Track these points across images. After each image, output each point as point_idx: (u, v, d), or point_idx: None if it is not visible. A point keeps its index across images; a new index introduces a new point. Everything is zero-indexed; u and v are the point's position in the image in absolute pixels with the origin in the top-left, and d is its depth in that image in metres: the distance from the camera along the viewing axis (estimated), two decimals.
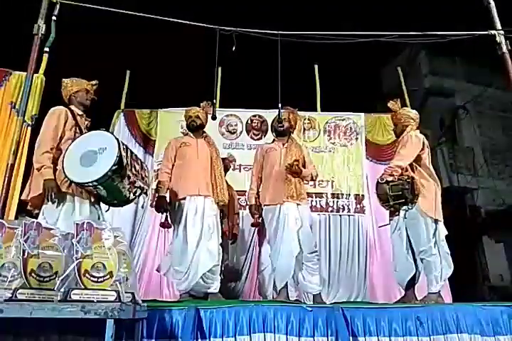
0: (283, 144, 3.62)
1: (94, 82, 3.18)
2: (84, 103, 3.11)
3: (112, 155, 2.48)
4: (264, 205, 3.48)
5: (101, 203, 2.87)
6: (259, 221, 3.61)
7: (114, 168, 2.46)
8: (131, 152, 2.72)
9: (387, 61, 12.15)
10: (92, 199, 2.87)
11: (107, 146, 2.53)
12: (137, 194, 2.73)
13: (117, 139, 2.56)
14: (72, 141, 2.72)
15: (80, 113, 3.08)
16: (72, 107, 3.06)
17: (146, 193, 2.88)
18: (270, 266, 3.47)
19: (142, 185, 2.75)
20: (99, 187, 2.56)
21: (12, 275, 1.68)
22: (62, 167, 2.60)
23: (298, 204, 3.37)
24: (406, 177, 3.19)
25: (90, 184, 2.51)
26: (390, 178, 3.17)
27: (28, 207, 2.91)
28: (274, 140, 3.78)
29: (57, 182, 2.73)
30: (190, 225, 3.26)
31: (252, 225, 3.81)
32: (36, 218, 2.66)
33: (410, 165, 3.31)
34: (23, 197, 2.90)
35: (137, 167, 2.70)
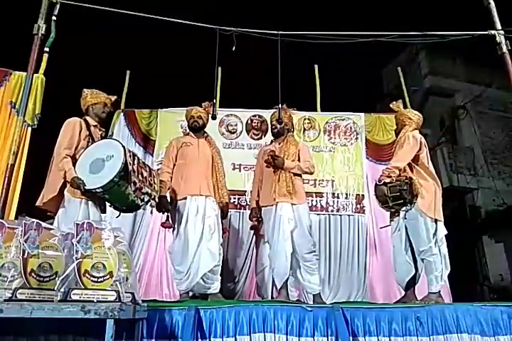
0: (279, 144, 3.61)
1: (113, 98, 3.33)
2: (100, 115, 3.25)
3: (118, 162, 2.56)
4: (262, 207, 3.49)
5: (112, 209, 2.93)
6: (256, 224, 3.63)
7: (119, 174, 2.52)
8: (139, 159, 2.81)
9: (387, 61, 12.16)
10: (102, 206, 3.01)
11: (113, 154, 2.62)
12: (145, 200, 2.80)
13: (124, 147, 2.64)
14: (84, 150, 2.85)
15: (94, 123, 3.20)
16: (88, 118, 3.19)
17: (154, 199, 2.93)
18: (269, 266, 3.47)
19: (150, 192, 2.81)
20: (107, 193, 2.63)
21: (12, 275, 1.68)
22: None
23: (293, 204, 3.34)
24: (404, 177, 3.19)
25: (98, 190, 2.60)
26: (388, 180, 3.17)
27: (48, 214, 3.03)
28: (271, 141, 3.78)
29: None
30: (191, 225, 3.26)
31: (250, 228, 3.82)
32: (52, 224, 2.72)
33: (409, 165, 3.31)
34: (37, 204, 3.00)
35: (145, 173, 2.77)
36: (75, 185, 2.80)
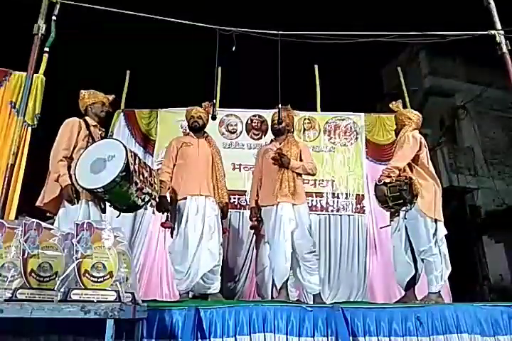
0: (280, 144, 3.61)
1: (111, 97, 3.34)
2: (99, 115, 3.27)
3: (119, 162, 2.55)
4: (262, 206, 3.49)
5: (112, 209, 2.94)
6: (256, 224, 3.62)
7: (121, 174, 2.53)
8: (140, 159, 2.81)
9: (387, 61, 12.17)
10: (102, 206, 3.02)
11: (115, 154, 2.61)
12: (146, 200, 2.81)
13: (125, 147, 2.63)
14: (84, 150, 2.84)
15: (94, 123, 3.22)
16: (87, 118, 3.21)
17: (154, 199, 2.93)
18: (269, 266, 3.47)
19: (151, 192, 2.81)
20: (108, 193, 2.64)
21: (12, 275, 1.69)
22: (74, 174, 2.72)
23: (294, 204, 3.34)
24: (404, 177, 3.19)
25: (99, 190, 2.59)
26: (388, 180, 3.16)
27: (48, 215, 3.04)
28: (271, 140, 3.78)
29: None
30: (191, 225, 3.26)
31: (250, 228, 3.82)
32: (52, 224, 2.73)
33: (409, 165, 3.31)
34: (37, 204, 3.02)
35: (145, 174, 2.77)
36: (66, 194, 2.84)
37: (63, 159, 2.93)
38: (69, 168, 2.90)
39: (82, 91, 3.29)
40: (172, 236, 3.47)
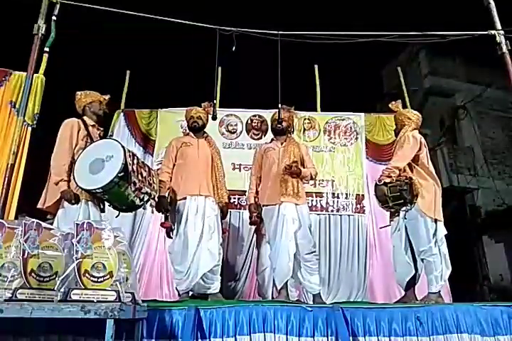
0: (281, 143, 3.62)
1: (107, 97, 3.36)
2: (98, 113, 3.29)
3: (117, 162, 2.56)
4: (263, 205, 3.48)
5: (111, 208, 2.95)
6: (256, 219, 3.61)
7: (119, 174, 2.53)
8: (138, 159, 2.82)
9: (387, 61, 12.17)
10: (102, 206, 3.04)
11: (113, 154, 2.61)
12: (145, 200, 2.81)
13: (123, 147, 2.64)
14: (83, 150, 2.84)
15: (92, 123, 3.23)
16: (85, 118, 3.22)
17: (154, 199, 2.94)
18: (270, 266, 3.47)
19: (149, 191, 2.82)
20: (107, 193, 2.64)
21: (12, 275, 1.69)
22: (73, 175, 2.73)
23: (296, 204, 3.36)
24: (404, 177, 3.19)
25: (98, 190, 2.60)
26: (388, 180, 3.16)
27: (48, 216, 3.07)
28: (272, 139, 3.78)
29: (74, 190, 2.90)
30: (191, 225, 3.26)
31: (250, 223, 3.82)
32: (51, 224, 2.74)
33: (409, 165, 3.31)
34: (39, 206, 3.04)
35: (144, 173, 2.78)
36: (65, 196, 2.88)
37: (67, 163, 2.95)
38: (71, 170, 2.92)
39: (77, 92, 3.31)
40: (169, 237, 3.47)
